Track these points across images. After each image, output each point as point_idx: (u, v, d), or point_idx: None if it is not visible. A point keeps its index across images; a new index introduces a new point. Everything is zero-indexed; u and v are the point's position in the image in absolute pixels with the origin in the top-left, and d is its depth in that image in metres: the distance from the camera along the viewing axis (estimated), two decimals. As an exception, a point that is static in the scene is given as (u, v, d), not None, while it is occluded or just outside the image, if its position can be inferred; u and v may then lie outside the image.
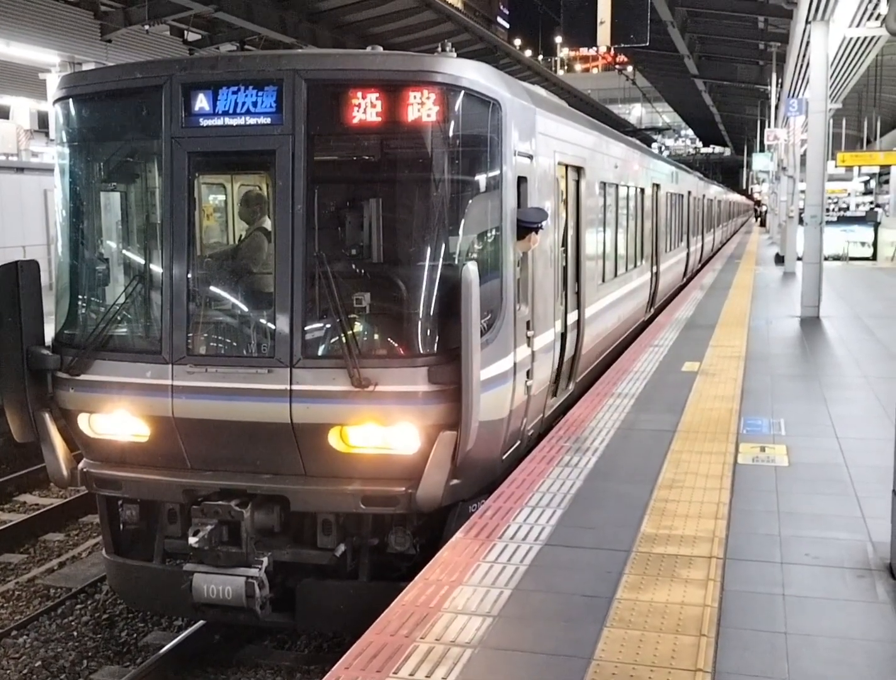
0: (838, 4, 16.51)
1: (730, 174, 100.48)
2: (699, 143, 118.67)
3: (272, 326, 6.54)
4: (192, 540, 6.34)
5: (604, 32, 9.56)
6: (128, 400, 6.76)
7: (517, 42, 76.88)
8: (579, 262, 10.05)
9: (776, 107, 38.87)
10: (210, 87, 6.57)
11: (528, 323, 7.59)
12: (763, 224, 75.39)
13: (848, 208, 47.08)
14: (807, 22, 18.39)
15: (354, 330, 6.52)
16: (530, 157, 7.66)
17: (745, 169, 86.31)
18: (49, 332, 7.12)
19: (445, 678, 4.27)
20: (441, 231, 6.62)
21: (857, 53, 23.46)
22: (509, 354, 6.99)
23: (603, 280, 11.79)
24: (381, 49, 6.96)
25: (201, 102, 6.58)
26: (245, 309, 6.97)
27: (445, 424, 6.34)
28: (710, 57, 43.63)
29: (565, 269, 9.38)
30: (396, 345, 6.67)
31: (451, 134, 6.52)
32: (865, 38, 20.33)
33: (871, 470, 7.38)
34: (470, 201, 6.84)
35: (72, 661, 7.92)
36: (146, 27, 25.59)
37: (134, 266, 7.31)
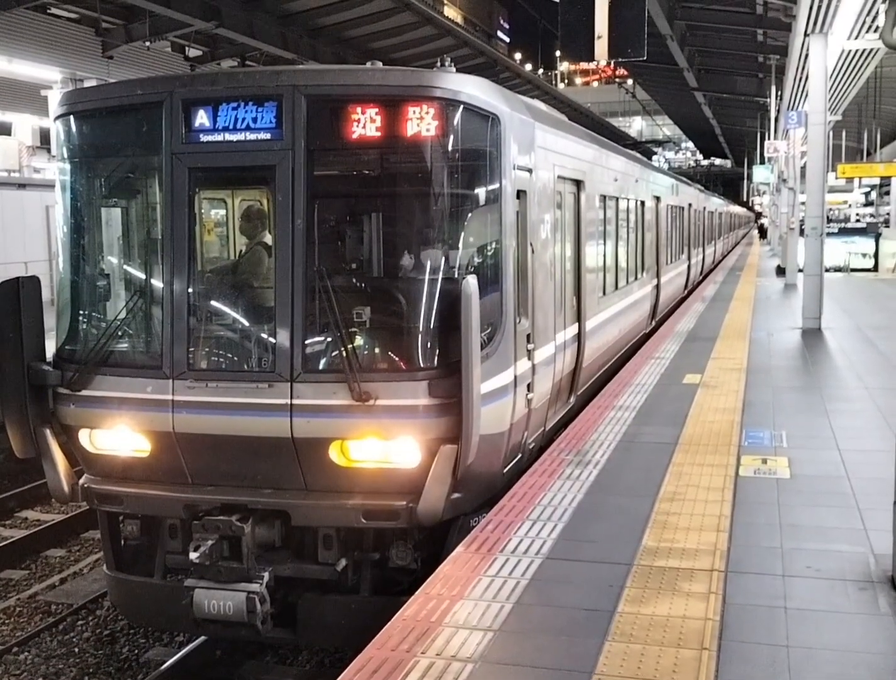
0: (836, 17, 16.57)
1: (730, 186, 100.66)
2: (700, 156, 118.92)
3: (272, 341, 6.54)
4: (193, 555, 6.33)
5: (601, 47, 9.56)
6: (128, 415, 6.76)
7: (517, 56, 77.29)
8: (580, 274, 10.06)
9: (776, 119, 38.96)
10: (210, 103, 6.60)
11: (528, 336, 7.60)
12: (764, 236, 75.41)
13: (848, 219, 47.12)
14: (805, 35, 18.46)
15: (355, 344, 6.53)
16: (529, 170, 7.68)
17: (745, 181, 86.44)
18: (50, 348, 7.13)
19: (446, 693, 4.27)
20: (441, 245, 6.64)
21: (855, 65, 23.53)
22: (510, 367, 6.99)
23: (604, 293, 11.79)
24: (380, 64, 6.99)
25: (201, 118, 6.61)
26: (245, 323, 6.98)
27: (446, 437, 6.33)
28: (710, 70, 43.77)
29: (565, 282, 9.39)
30: (397, 359, 6.68)
31: (450, 148, 6.54)
32: (864, 50, 20.39)
33: (872, 482, 7.36)
34: (469, 215, 6.85)
35: (73, 677, 7.90)
36: (147, 44, 25.72)
37: (135, 281, 7.33)
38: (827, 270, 20.74)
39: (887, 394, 11.13)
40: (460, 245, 6.77)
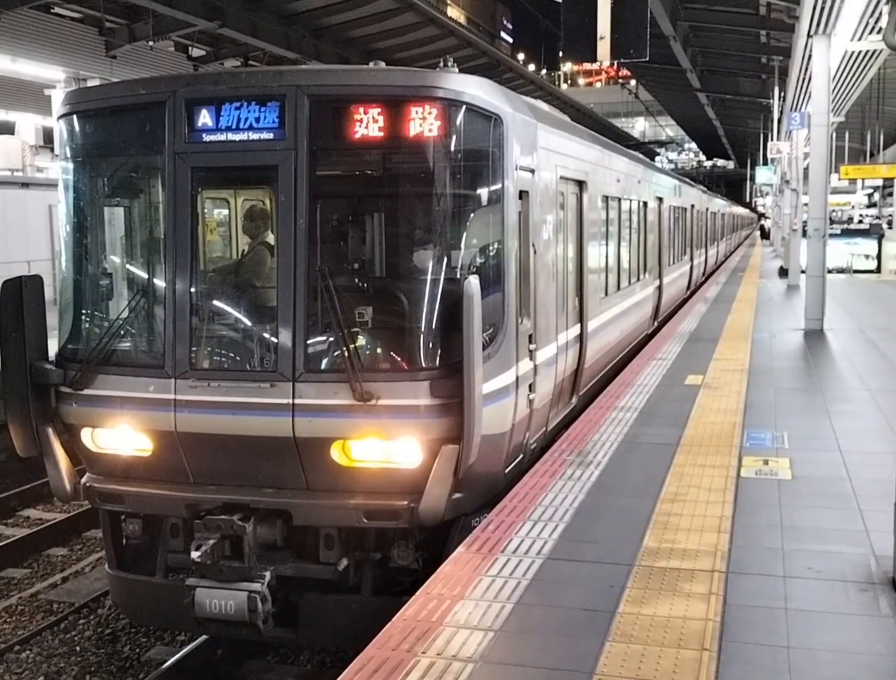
0: (840, 18, 16.54)
1: (733, 187, 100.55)
2: (702, 157, 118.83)
3: (275, 341, 6.55)
4: (195, 554, 6.33)
5: (604, 48, 9.59)
6: (130, 414, 6.77)
7: (520, 56, 77.31)
8: (582, 275, 10.06)
9: (779, 120, 38.93)
10: (213, 102, 6.61)
11: (530, 336, 7.60)
12: (766, 237, 75.32)
13: (851, 220, 47.09)
14: (808, 36, 18.45)
15: (357, 344, 6.53)
16: (532, 171, 7.68)
17: (748, 182, 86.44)
18: (52, 347, 7.14)
19: (447, 693, 4.27)
20: (443, 245, 6.65)
21: (859, 67, 23.50)
22: (511, 367, 6.99)
23: (606, 293, 11.79)
24: (383, 64, 7.00)
25: (204, 118, 6.62)
26: (248, 323, 6.99)
27: (448, 437, 6.34)
28: (713, 71, 43.76)
29: (567, 282, 9.39)
30: (399, 359, 6.68)
31: (452, 149, 6.55)
32: (867, 51, 20.36)
33: (874, 483, 7.36)
34: (471, 216, 6.86)
35: (74, 676, 7.92)
36: (150, 43, 25.75)
37: (137, 281, 7.34)
38: (829, 272, 20.72)
39: (889, 395, 11.12)
40: (462, 245, 6.77)
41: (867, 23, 17.03)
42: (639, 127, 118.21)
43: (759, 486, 7.43)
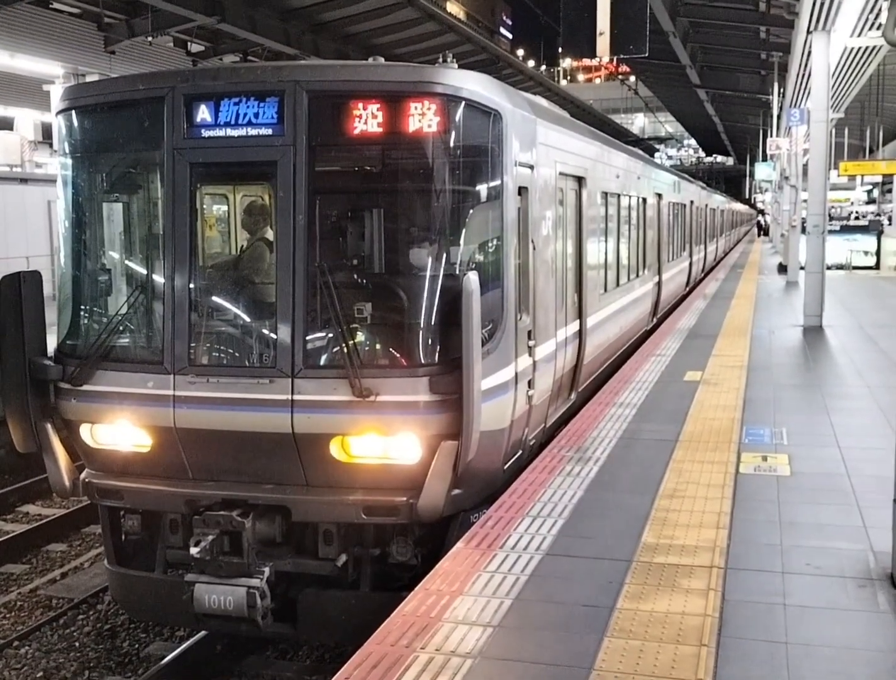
0: (839, 14, 16.54)
1: (733, 183, 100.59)
2: (702, 153, 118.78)
3: (274, 337, 6.55)
4: (194, 550, 6.34)
5: (603, 43, 9.61)
6: (129, 410, 6.77)
7: (520, 52, 77.23)
8: (581, 271, 10.06)
9: (778, 116, 38.94)
10: (212, 98, 6.60)
11: (529, 333, 7.60)
12: (766, 234, 75.24)
13: (849, 217, 47.08)
14: (808, 32, 18.44)
15: (356, 340, 6.54)
16: (531, 167, 7.68)
17: (747, 178, 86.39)
18: (51, 343, 7.13)
19: (446, 688, 4.27)
20: (442, 241, 6.65)
21: (858, 63, 23.49)
22: (510, 363, 6.99)
23: (605, 290, 11.79)
24: (382, 60, 7.00)
25: (203, 114, 6.61)
26: (247, 319, 6.98)
27: (447, 433, 6.34)
28: (712, 67, 43.74)
29: (567, 278, 9.38)
30: (398, 355, 6.69)
31: (451, 145, 6.54)
32: (867, 47, 20.36)
33: (872, 479, 7.37)
34: (471, 211, 6.86)
35: (73, 671, 7.92)
36: (149, 39, 25.73)
37: (136, 277, 7.34)
38: (829, 268, 20.72)
39: (888, 392, 11.13)
40: (461, 241, 6.77)
41: (867, 19, 17.04)
42: (638, 123, 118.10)
43: (757, 482, 7.43)
